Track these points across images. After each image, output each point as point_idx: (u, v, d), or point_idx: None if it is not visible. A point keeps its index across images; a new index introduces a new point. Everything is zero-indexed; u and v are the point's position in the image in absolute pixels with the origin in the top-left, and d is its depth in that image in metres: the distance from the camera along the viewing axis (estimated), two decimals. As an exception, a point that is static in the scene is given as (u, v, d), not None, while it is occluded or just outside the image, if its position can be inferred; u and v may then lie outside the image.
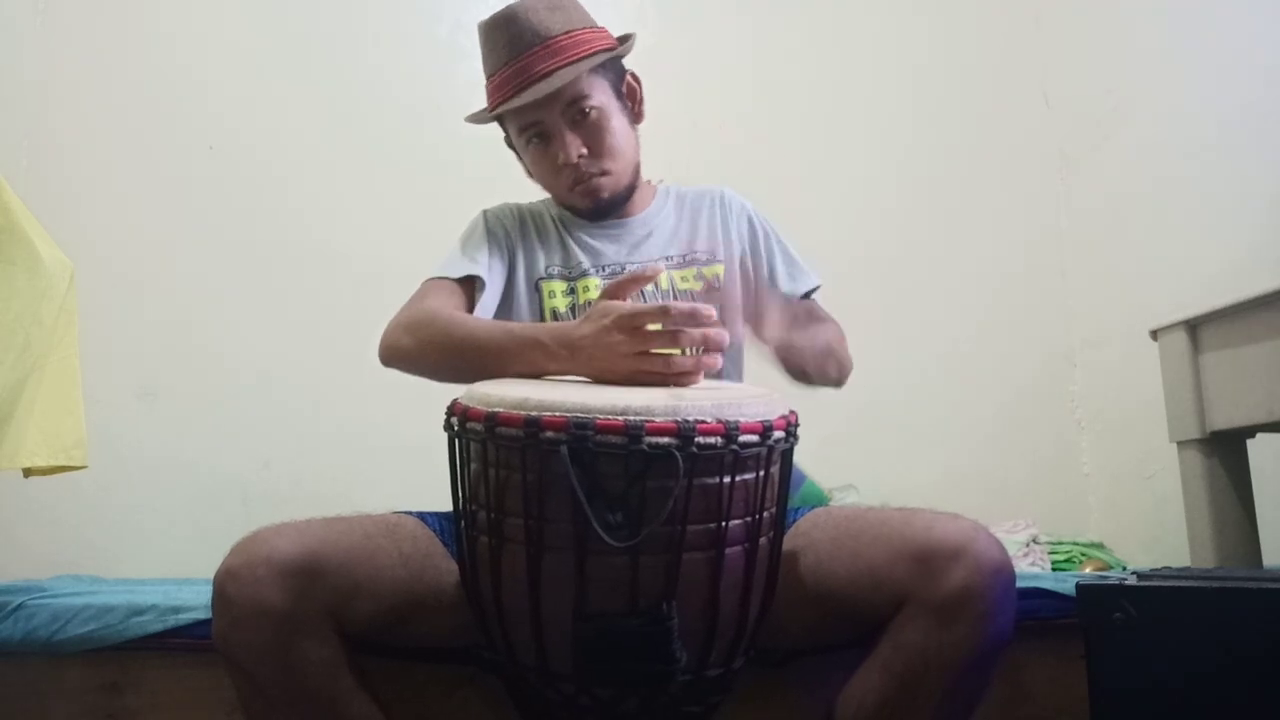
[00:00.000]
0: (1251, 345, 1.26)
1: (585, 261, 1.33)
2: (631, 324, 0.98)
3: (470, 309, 1.25)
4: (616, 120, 1.29)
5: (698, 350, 0.99)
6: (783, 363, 1.20)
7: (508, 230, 1.35)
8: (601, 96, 1.27)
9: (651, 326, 0.98)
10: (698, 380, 1.00)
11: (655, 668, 0.89)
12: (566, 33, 1.25)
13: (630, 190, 1.35)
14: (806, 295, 1.37)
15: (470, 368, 1.10)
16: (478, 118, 1.34)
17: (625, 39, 1.32)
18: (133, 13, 2.48)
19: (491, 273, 1.29)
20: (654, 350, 0.99)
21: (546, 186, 1.35)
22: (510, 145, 1.38)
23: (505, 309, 1.32)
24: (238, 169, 2.44)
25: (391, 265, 2.39)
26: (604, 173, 1.29)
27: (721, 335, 0.99)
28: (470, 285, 1.27)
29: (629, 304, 1.02)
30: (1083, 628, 1.01)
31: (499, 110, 1.28)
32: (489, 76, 1.29)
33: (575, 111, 1.25)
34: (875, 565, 0.98)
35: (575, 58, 1.24)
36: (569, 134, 1.26)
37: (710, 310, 0.98)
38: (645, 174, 1.43)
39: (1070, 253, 2.56)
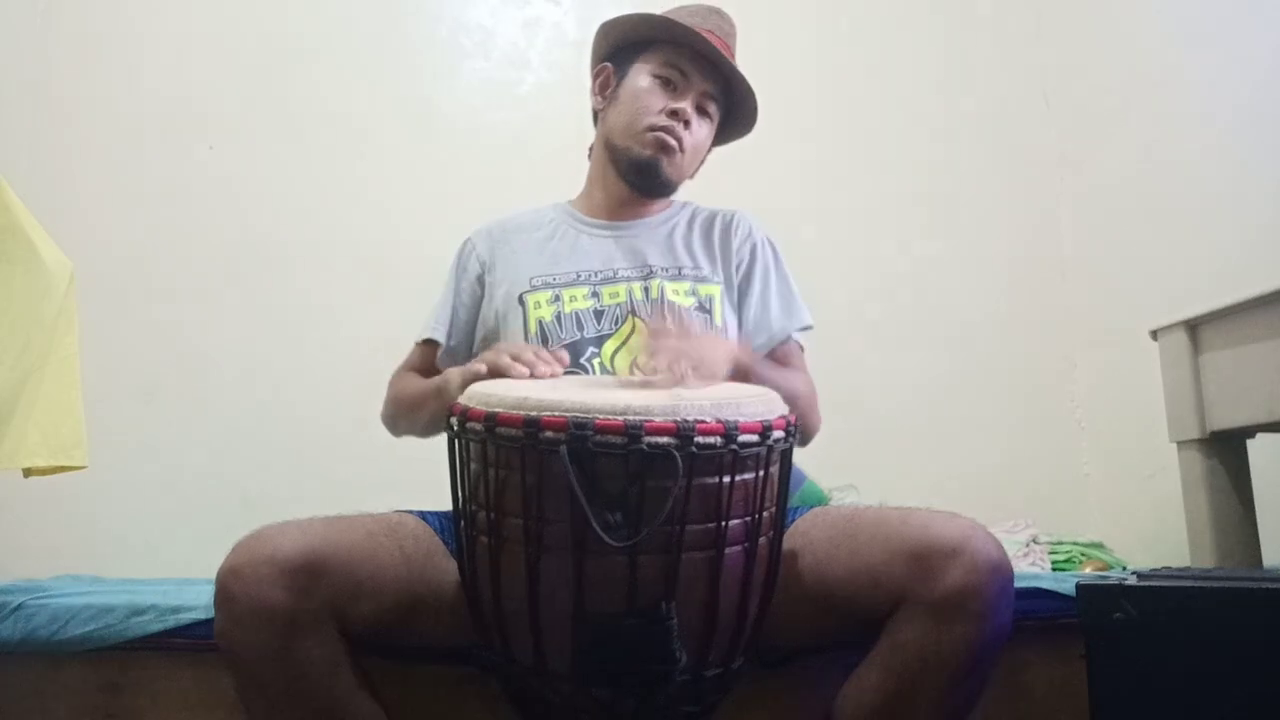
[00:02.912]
0: (1251, 345, 1.26)
1: (573, 269, 1.34)
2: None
3: (433, 367, 1.37)
4: (705, 140, 1.39)
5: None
6: None
7: (481, 261, 1.40)
8: (714, 122, 1.39)
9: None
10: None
11: (655, 668, 0.89)
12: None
13: (665, 190, 1.39)
14: (801, 331, 1.38)
15: (418, 420, 1.27)
16: (630, 19, 1.37)
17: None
18: (132, 13, 2.48)
19: (454, 325, 1.39)
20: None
21: (628, 121, 1.36)
22: (596, 76, 1.42)
23: (494, 330, 1.35)
24: (238, 169, 2.43)
25: (392, 265, 2.42)
26: (682, 150, 1.34)
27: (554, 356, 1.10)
28: (434, 347, 1.39)
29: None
30: (1083, 628, 1.02)
31: (680, 29, 1.32)
32: (670, 13, 1.36)
33: (708, 101, 1.36)
34: (873, 564, 0.98)
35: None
36: (693, 103, 1.35)
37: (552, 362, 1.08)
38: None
39: (1070, 253, 2.55)
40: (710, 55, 1.33)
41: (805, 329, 1.38)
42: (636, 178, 1.36)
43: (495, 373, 1.06)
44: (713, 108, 1.37)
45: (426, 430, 1.28)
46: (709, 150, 1.43)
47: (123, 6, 2.49)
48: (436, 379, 1.23)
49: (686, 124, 1.33)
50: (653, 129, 1.33)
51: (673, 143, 1.33)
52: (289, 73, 2.50)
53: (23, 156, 2.28)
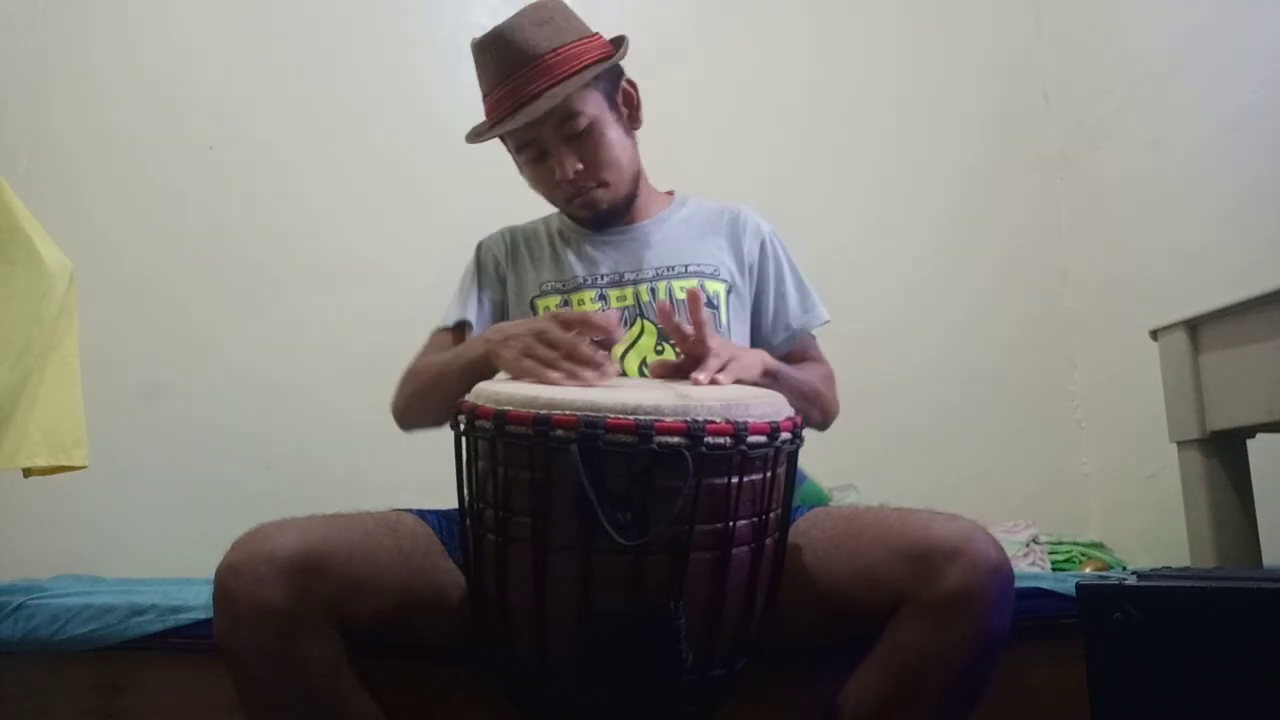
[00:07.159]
0: (1251, 345, 1.26)
1: (581, 273, 1.34)
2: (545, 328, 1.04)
3: None
4: (612, 131, 1.29)
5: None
6: None
7: (498, 260, 1.40)
8: (594, 109, 1.27)
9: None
10: (599, 371, 1.00)
11: (661, 667, 0.89)
12: (554, 50, 1.24)
13: (631, 198, 1.36)
14: (820, 326, 1.38)
15: (440, 395, 1.15)
16: (477, 134, 1.34)
17: (618, 43, 1.32)
18: (132, 13, 2.48)
19: (481, 311, 1.36)
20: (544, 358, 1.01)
21: (548, 199, 1.37)
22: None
23: None
24: (238, 169, 2.44)
25: (392, 266, 2.42)
26: (601, 184, 1.30)
27: (604, 362, 1.01)
28: (463, 330, 1.34)
29: (572, 311, 1.09)
30: (1083, 628, 1.01)
31: (494, 132, 1.29)
32: (484, 95, 1.30)
33: (568, 128, 1.25)
34: (873, 565, 0.98)
35: (564, 75, 1.23)
36: (564, 150, 1.26)
37: (608, 324, 1.05)
38: (661, 184, 1.44)
39: (1070, 253, 2.56)
40: (516, 127, 1.24)
41: (823, 323, 1.38)
42: (599, 225, 1.36)
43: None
44: (580, 119, 1.25)
45: (449, 398, 1.07)
46: (636, 96, 1.35)
47: (122, 7, 2.49)
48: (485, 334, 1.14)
49: (579, 169, 1.26)
50: (566, 201, 1.32)
51: (589, 197, 1.30)
52: (289, 73, 2.50)
53: (23, 156, 2.29)
